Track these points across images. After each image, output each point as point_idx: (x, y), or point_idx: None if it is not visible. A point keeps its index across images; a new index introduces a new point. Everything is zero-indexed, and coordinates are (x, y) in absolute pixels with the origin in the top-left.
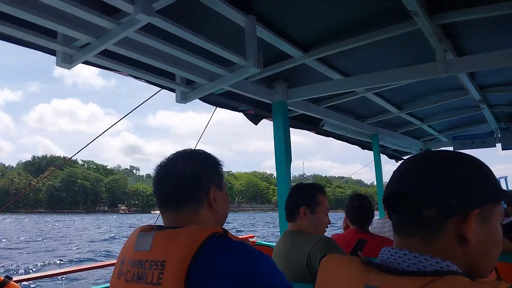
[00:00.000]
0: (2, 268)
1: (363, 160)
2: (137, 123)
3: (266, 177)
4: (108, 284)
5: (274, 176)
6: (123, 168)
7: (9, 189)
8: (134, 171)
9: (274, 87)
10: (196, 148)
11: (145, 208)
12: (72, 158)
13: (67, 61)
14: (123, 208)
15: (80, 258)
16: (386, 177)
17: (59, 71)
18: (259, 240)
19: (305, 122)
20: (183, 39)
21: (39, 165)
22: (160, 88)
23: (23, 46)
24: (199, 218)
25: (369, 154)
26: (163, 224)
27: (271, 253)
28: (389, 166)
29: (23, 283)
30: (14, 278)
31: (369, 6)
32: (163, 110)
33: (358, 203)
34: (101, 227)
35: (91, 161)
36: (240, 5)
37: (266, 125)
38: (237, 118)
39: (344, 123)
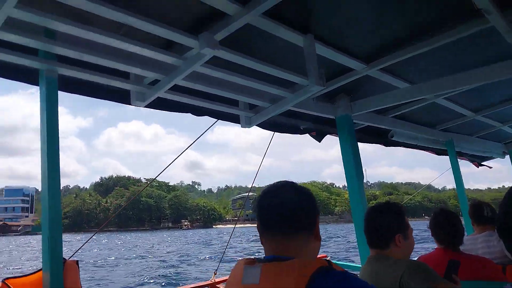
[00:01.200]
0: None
1: (432, 164)
2: (198, 140)
3: (326, 187)
4: None
5: (336, 186)
6: (185, 184)
7: (81, 209)
8: (196, 186)
9: (336, 102)
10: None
11: (206, 223)
12: (136, 177)
13: (140, 99)
14: (186, 223)
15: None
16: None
17: None
18: (332, 260)
19: (371, 134)
20: (243, 66)
21: (107, 186)
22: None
23: (98, 97)
24: (307, 248)
25: (439, 156)
26: (264, 252)
27: None
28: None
29: None
30: None
31: (433, 8)
32: (219, 125)
33: (442, 219)
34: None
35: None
36: (297, 25)
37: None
38: None
39: (414, 132)
